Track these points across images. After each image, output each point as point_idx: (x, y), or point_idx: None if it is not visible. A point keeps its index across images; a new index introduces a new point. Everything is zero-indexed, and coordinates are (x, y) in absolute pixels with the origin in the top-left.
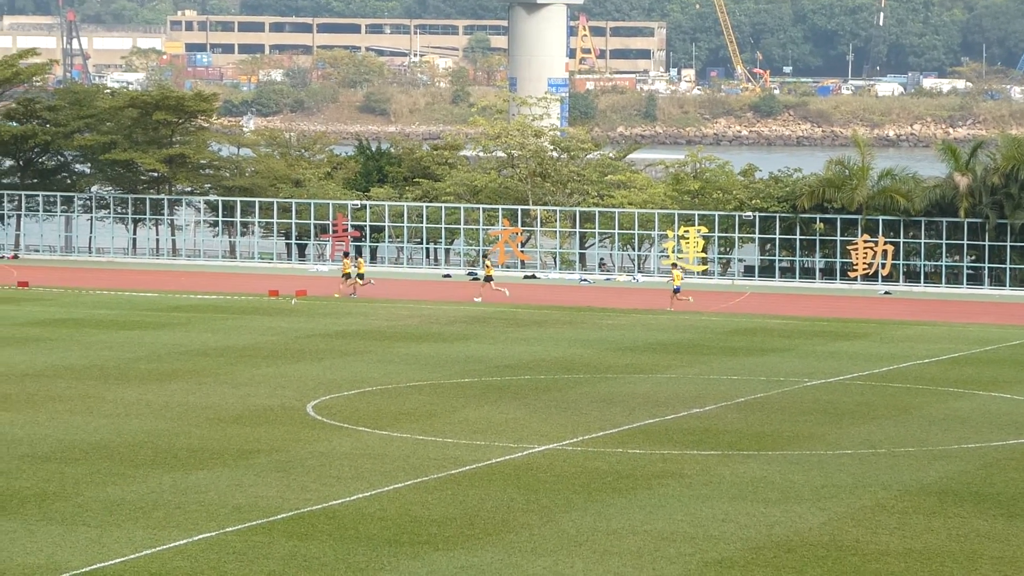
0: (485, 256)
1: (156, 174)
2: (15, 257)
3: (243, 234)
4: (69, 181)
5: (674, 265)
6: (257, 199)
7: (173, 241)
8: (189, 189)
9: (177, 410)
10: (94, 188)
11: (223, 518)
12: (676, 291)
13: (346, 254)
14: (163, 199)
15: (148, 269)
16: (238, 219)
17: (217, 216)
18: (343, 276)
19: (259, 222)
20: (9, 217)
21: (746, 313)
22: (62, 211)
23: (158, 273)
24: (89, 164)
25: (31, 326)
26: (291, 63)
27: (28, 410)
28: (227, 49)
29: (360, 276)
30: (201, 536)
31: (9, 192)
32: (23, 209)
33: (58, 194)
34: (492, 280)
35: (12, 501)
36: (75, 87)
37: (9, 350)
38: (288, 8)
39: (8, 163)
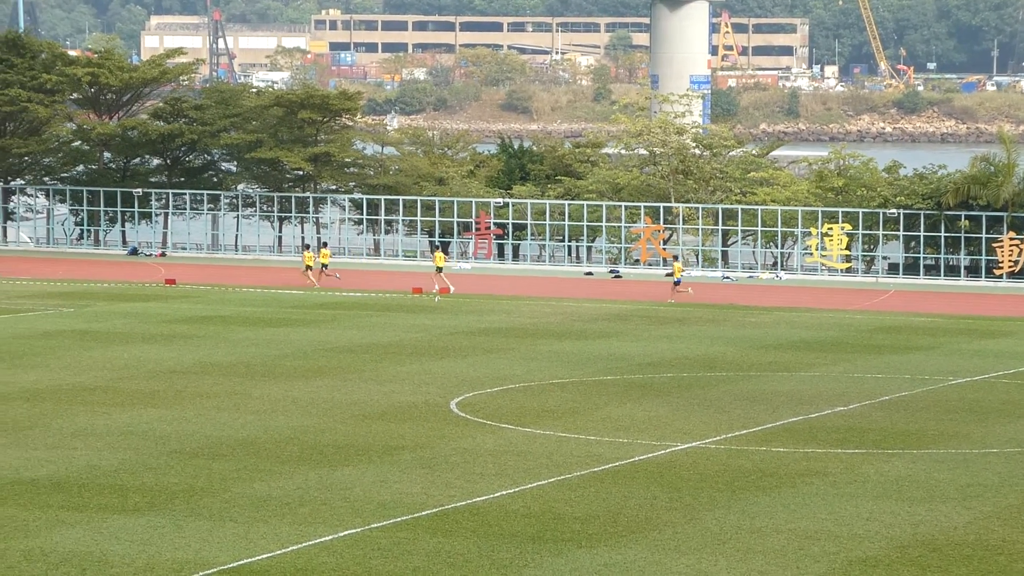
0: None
1: (301, 172)
2: (162, 255)
3: (387, 232)
4: (215, 179)
5: (675, 258)
6: (401, 197)
7: (318, 239)
8: (334, 187)
9: (323, 406)
10: (240, 186)
11: (368, 514)
12: (677, 283)
13: (307, 246)
14: (308, 197)
15: (294, 267)
16: (382, 217)
17: (361, 214)
18: (305, 268)
19: (403, 220)
20: (156, 215)
21: (890, 311)
22: (208, 209)
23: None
24: (235, 163)
25: (178, 323)
26: (434, 62)
27: (176, 406)
28: (371, 48)
29: (324, 266)
30: (346, 532)
31: (157, 190)
32: (170, 207)
33: (204, 192)
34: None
35: (161, 497)
36: (221, 86)
37: (157, 347)
38: (431, 7)
39: (156, 162)
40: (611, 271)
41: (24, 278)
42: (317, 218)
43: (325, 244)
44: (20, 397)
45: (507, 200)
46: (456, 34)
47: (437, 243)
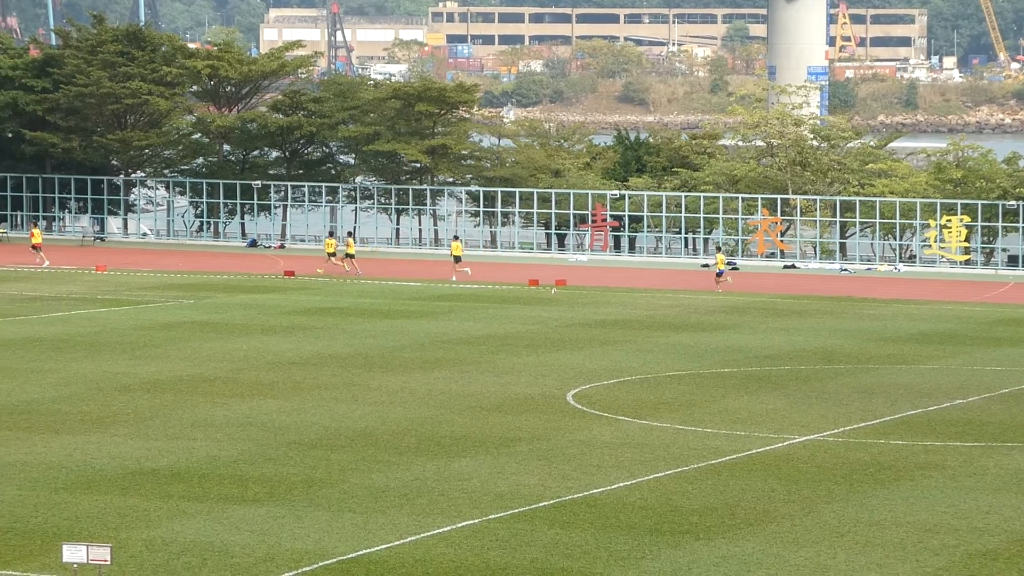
0: (455, 237)
1: (418, 165)
2: (281, 247)
3: (503, 224)
4: (333, 172)
5: (718, 249)
6: (517, 189)
7: (435, 231)
8: (451, 179)
9: (440, 398)
10: (358, 179)
11: (486, 505)
12: (719, 274)
13: (331, 234)
14: (425, 189)
15: (411, 259)
16: (499, 209)
17: (478, 206)
18: (328, 256)
19: (519, 212)
20: (275, 207)
21: (1010, 303)
22: (327, 201)
23: (421, 263)
24: (353, 155)
25: (297, 315)
26: (550, 53)
27: (295, 397)
28: (487, 40)
29: (349, 255)
30: (464, 523)
31: (275, 183)
32: (289, 200)
33: (323, 184)
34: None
35: (280, 487)
36: (339, 79)
37: (276, 338)
38: None
39: (275, 154)
40: (728, 263)
41: (144, 270)
42: (434, 210)
43: (351, 233)
44: (141, 388)
45: (623, 192)
46: (573, 26)
47: (456, 233)
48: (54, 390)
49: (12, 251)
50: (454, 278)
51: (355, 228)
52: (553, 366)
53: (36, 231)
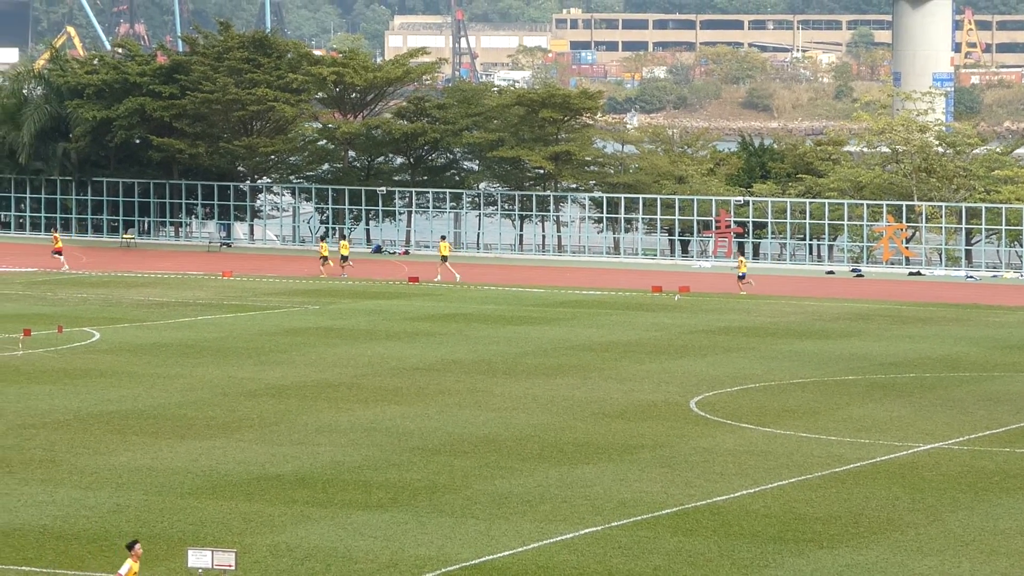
0: (443, 237)
1: (542, 171)
2: (406, 253)
3: (627, 230)
4: (457, 178)
5: (741, 252)
6: (640, 195)
7: (559, 237)
8: (574, 186)
9: (563, 404)
10: (482, 185)
11: (609, 512)
12: (741, 277)
13: (323, 237)
14: (549, 196)
15: (534, 265)
16: (622, 215)
17: (601, 212)
18: (321, 259)
19: (642, 218)
20: (400, 214)
21: None
22: (451, 208)
23: (544, 269)
24: (477, 161)
25: (421, 321)
26: (674, 60)
27: (419, 403)
28: (611, 47)
29: (344, 257)
30: (587, 530)
31: (400, 189)
32: (413, 206)
33: (447, 191)
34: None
35: (404, 493)
36: (463, 85)
37: (400, 344)
38: (672, 5)
39: (399, 161)
40: (853, 270)
41: (271, 276)
42: (557, 217)
43: (344, 236)
44: (266, 393)
45: (747, 198)
46: (697, 32)
47: (443, 233)
48: (180, 395)
49: (139, 257)
50: (438, 277)
51: (479, 234)
52: (676, 373)
53: (57, 235)
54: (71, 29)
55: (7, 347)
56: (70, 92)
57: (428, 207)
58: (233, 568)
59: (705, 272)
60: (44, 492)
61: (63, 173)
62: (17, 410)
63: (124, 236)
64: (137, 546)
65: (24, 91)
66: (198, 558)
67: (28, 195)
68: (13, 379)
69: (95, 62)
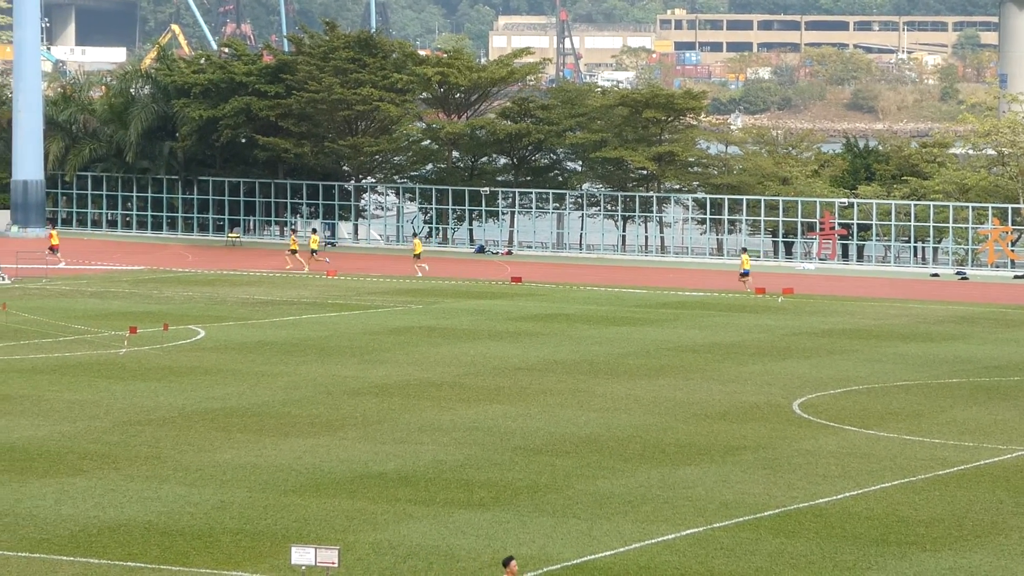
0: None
1: (645, 172)
2: (509, 253)
3: (730, 232)
4: (561, 179)
5: (743, 250)
6: (744, 197)
7: (661, 238)
8: (677, 187)
9: (665, 405)
10: (585, 185)
11: (710, 514)
12: (744, 274)
13: (294, 231)
14: (652, 196)
15: (637, 266)
16: (725, 216)
17: (705, 213)
18: (290, 251)
19: (746, 219)
20: (503, 214)
21: None
22: (554, 208)
23: (647, 270)
24: (580, 162)
25: (524, 321)
26: (779, 61)
27: (521, 403)
28: (715, 47)
29: (313, 251)
30: (689, 531)
31: (503, 189)
32: (516, 206)
33: (550, 191)
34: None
35: (506, 492)
36: (567, 86)
37: (503, 344)
38: (777, 6)
39: (503, 161)
40: (958, 272)
41: (375, 275)
42: (660, 217)
43: (315, 230)
44: (370, 392)
45: (852, 200)
46: (801, 33)
47: (415, 230)
48: (284, 393)
49: (244, 255)
50: (419, 273)
51: (582, 234)
52: (779, 375)
53: (54, 232)
54: (176, 28)
55: (114, 344)
56: (177, 91)
57: (531, 207)
58: (336, 565)
59: (809, 274)
60: (149, 488)
61: (169, 172)
62: (123, 407)
63: (230, 235)
64: (512, 563)
65: (132, 90)
66: (301, 555)
67: (135, 194)
68: (119, 376)
69: (202, 61)
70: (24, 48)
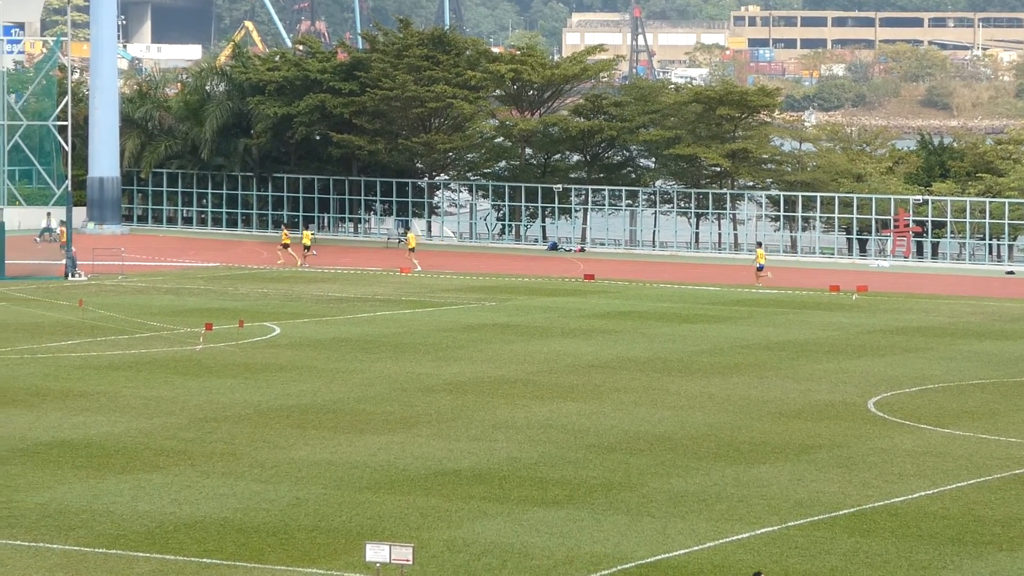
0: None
1: (718, 169)
2: (581, 250)
3: (804, 229)
4: (634, 176)
5: (758, 244)
6: (818, 194)
7: (735, 235)
8: (751, 184)
9: (739, 403)
10: (658, 182)
11: (785, 512)
12: (759, 269)
13: (286, 225)
14: (725, 193)
15: (710, 263)
16: (799, 214)
17: (778, 211)
18: (282, 246)
19: (820, 217)
20: (576, 211)
21: None
22: (627, 205)
23: (720, 267)
24: (653, 159)
25: (597, 318)
26: (853, 57)
27: (594, 401)
28: (789, 44)
29: (307, 247)
30: (763, 530)
31: (576, 186)
32: (589, 203)
33: (623, 188)
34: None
35: (580, 490)
36: (640, 83)
37: (576, 341)
38: (850, 2)
39: (575, 158)
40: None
41: (448, 272)
42: (734, 215)
43: (308, 226)
44: (444, 389)
45: (926, 197)
46: (876, 30)
47: (408, 224)
48: (359, 390)
49: (319, 252)
50: (418, 268)
51: (655, 232)
52: (854, 373)
53: (62, 229)
54: (249, 24)
55: (190, 341)
56: (252, 88)
57: (604, 204)
58: (410, 563)
59: (883, 271)
60: (225, 485)
61: (244, 169)
62: (198, 403)
63: (304, 232)
64: None
65: (207, 87)
66: (376, 552)
67: (210, 191)
68: (195, 373)
69: (276, 59)
70: (101, 46)
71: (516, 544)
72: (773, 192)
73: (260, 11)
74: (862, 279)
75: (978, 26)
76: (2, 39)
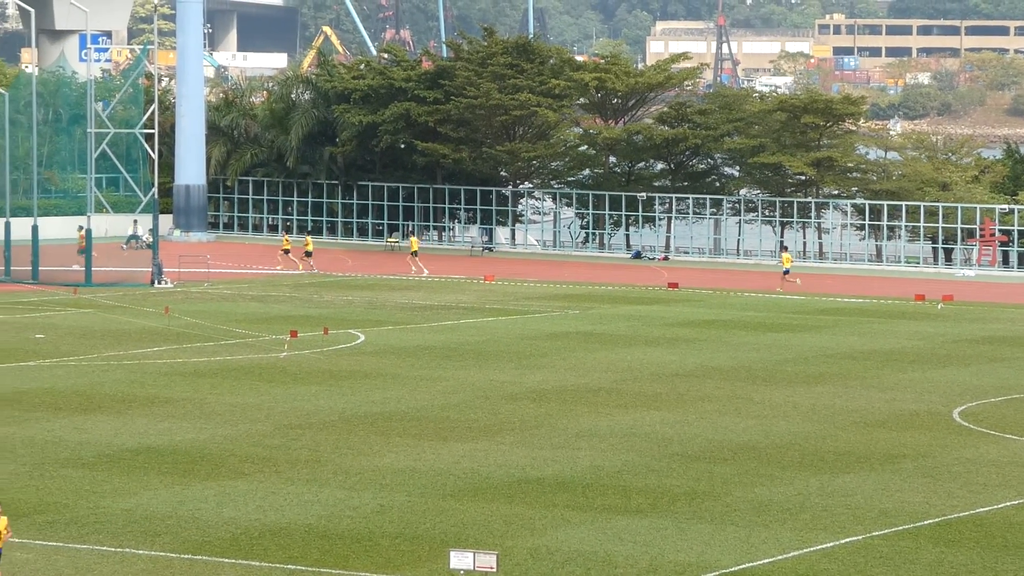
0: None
1: (803, 177)
2: (665, 259)
3: (889, 238)
4: (718, 184)
5: (784, 248)
6: (903, 202)
7: (820, 244)
8: (836, 192)
9: (823, 413)
10: (742, 191)
11: (869, 522)
12: (786, 273)
13: (287, 230)
14: (810, 202)
15: (795, 272)
16: (884, 222)
17: (863, 219)
18: (283, 251)
19: (905, 226)
20: (660, 219)
21: None
22: (711, 214)
23: (805, 276)
24: (737, 167)
25: (681, 327)
26: (938, 66)
27: (678, 409)
28: (874, 52)
29: (308, 253)
30: (848, 540)
31: (660, 195)
32: (673, 211)
33: (707, 197)
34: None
35: (663, 499)
36: (724, 91)
37: (660, 350)
38: (936, 11)
39: (660, 166)
40: None
41: (532, 280)
42: (819, 223)
43: (310, 232)
44: (527, 397)
45: (1013, 206)
46: (961, 38)
47: (412, 228)
48: (442, 398)
49: (403, 260)
50: (421, 271)
51: (739, 240)
52: (939, 383)
53: (81, 233)
54: (328, 29)
55: (275, 348)
56: (337, 97)
57: (688, 213)
58: (494, 570)
59: (969, 281)
60: (309, 492)
61: (329, 177)
62: (284, 410)
63: (389, 240)
64: None
65: (292, 96)
66: (460, 559)
67: (295, 198)
68: (280, 380)
69: (362, 67)
70: (187, 54)
71: (600, 552)
72: (858, 201)
73: (345, 19)
74: (947, 288)
75: None
76: (89, 47)
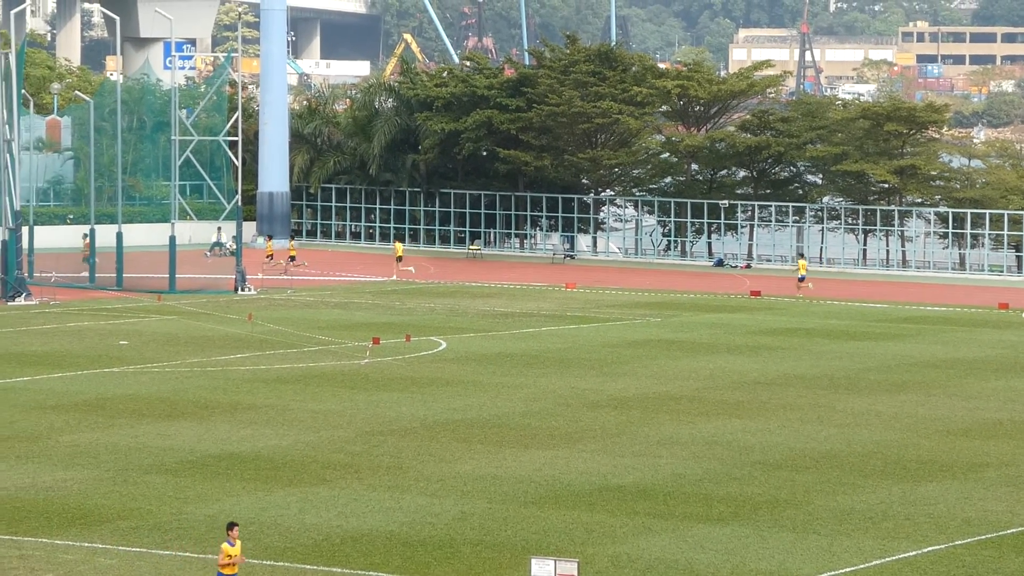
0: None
1: (886, 185)
2: (748, 267)
3: (973, 246)
4: (800, 192)
5: (800, 255)
6: (987, 211)
7: (903, 252)
8: (919, 200)
9: (906, 421)
10: (825, 199)
11: (952, 531)
12: (801, 279)
13: (270, 236)
14: (893, 210)
15: (878, 280)
16: (968, 231)
17: (947, 227)
18: (289, 259)
19: (988, 234)
20: (742, 227)
21: None
22: (793, 221)
23: (888, 284)
24: (820, 175)
25: (763, 335)
26: (1022, 74)
27: (760, 417)
28: (958, 60)
29: (292, 258)
30: (930, 548)
31: (742, 202)
32: (755, 219)
33: (789, 204)
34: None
35: (745, 507)
36: (807, 99)
37: (742, 358)
38: (1020, 18)
39: (742, 174)
40: None
41: (613, 288)
42: (902, 231)
43: (293, 236)
44: (609, 405)
45: None
46: None
47: (396, 234)
48: (524, 405)
49: (484, 267)
50: (394, 276)
51: (822, 248)
52: (1022, 391)
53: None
54: (408, 36)
55: (357, 355)
56: (419, 105)
57: (771, 220)
58: None
59: None
60: (391, 498)
61: (412, 184)
62: (366, 417)
63: (471, 247)
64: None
65: (375, 103)
66: (541, 567)
67: (378, 206)
68: (362, 387)
69: (444, 75)
70: (271, 61)
71: (681, 560)
72: (942, 209)
73: (427, 27)
74: None
75: None
76: (174, 55)
